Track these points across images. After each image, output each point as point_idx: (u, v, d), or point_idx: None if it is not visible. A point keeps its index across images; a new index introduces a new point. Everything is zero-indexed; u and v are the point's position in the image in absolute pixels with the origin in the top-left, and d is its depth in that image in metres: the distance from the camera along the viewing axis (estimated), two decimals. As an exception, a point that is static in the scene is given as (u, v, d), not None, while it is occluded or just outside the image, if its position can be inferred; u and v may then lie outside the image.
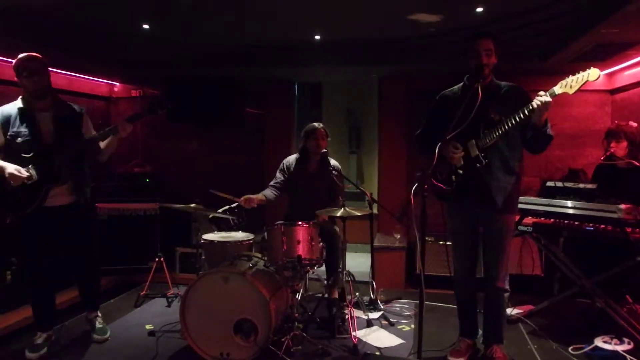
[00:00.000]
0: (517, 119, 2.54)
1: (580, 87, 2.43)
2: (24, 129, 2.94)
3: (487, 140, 2.64)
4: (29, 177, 2.86)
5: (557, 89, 2.48)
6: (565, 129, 4.79)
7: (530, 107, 2.49)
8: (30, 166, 2.89)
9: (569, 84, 2.45)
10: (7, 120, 2.95)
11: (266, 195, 3.77)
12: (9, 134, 2.94)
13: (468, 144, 2.70)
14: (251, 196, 3.63)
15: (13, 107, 2.99)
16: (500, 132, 2.60)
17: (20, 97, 3.03)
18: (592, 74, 2.40)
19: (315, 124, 3.81)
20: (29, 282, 3.14)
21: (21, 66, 2.93)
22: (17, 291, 3.59)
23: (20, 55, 2.95)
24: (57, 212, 3.02)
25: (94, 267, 3.38)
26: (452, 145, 2.69)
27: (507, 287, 2.83)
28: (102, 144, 3.16)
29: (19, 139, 2.93)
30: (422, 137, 2.97)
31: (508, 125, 2.57)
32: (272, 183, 3.90)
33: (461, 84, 2.88)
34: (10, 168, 2.83)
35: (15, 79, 2.98)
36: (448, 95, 2.92)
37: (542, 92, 2.48)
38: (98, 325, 3.31)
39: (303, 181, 3.85)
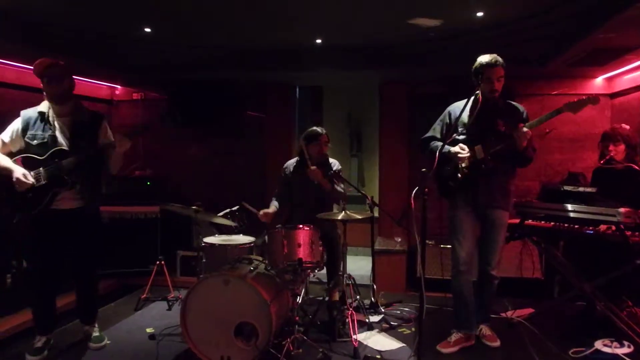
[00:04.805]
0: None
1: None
2: (40, 132, 2.99)
3: (494, 147, 2.98)
4: (33, 185, 2.90)
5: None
6: (565, 133, 4.81)
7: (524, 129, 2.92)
8: (40, 169, 2.93)
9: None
10: (27, 124, 3.00)
11: (276, 207, 3.85)
12: (26, 136, 2.98)
13: (475, 148, 3.02)
14: (268, 211, 3.74)
15: (34, 111, 3.04)
16: (506, 142, 2.95)
17: (45, 101, 3.06)
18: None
19: (318, 129, 3.78)
20: (30, 284, 3.12)
21: (41, 72, 2.96)
22: (17, 295, 3.59)
23: (40, 61, 2.96)
24: (63, 216, 3.02)
25: (93, 278, 3.34)
26: (459, 147, 3.03)
27: (497, 275, 3.19)
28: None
29: (35, 141, 2.98)
30: (430, 140, 3.24)
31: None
32: (275, 194, 3.96)
33: (472, 97, 3.07)
34: (18, 173, 2.88)
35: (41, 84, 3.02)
36: (458, 107, 3.13)
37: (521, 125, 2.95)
38: (95, 333, 3.28)
39: (302, 185, 3.83)
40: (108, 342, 3.28)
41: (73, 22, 3.50)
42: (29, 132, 2.98)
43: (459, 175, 3.09)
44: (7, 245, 3.68)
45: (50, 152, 2.96)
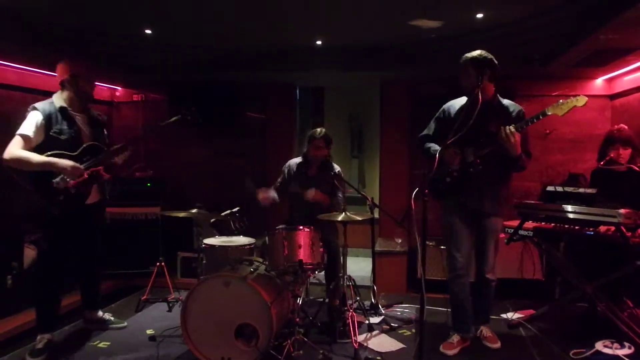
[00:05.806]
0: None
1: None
2: (66, 127, 3.03)
3: (483, 149, 2.94)
4: (84, 179, 2.97)
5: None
6: (566, 134, 4.80)
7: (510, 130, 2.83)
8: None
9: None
10: (49, 118, 2.99)
11: (275, 198, 3.85)
12: (52, 130, 2.99)
13: (466, 150, 2.98)
14: (268, 193, 3.75)
15: (52, 106, 3.05)
16: (494, 144, 2.88)
17: (60, 97, 3.10)
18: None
19: (317, 132, 3.77)
20: (41, 282, 3.15)
21: (86, 71, 3.11)
22: (18, 296, 3.59)
23: (79, 61, 3.11)
24: (85, 210, 3.14)
25: (99, 266, 3.54)
26: (452, 150, 2.96)
27: (494, 277, 3.19)
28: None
29: (63, 136, 3.01)
30: (424, 139, 3.25)
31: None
32: (275, 186, 3.95)
33: (470, 97, 3.02)
34: (66, 162, 2.91)
35: (64, 77, 3.07)
36: (452, 106, 3.14)
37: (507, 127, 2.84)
38: (111, 318, 3.53)
39: (303, 185, 3.83)
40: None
41: (73, 22, 3.51)
42: (55, 127, 3.00)
43: (448, 179, 3.07)
44: (9, 245, 3.68)
45: (83, 147, 3.04)
